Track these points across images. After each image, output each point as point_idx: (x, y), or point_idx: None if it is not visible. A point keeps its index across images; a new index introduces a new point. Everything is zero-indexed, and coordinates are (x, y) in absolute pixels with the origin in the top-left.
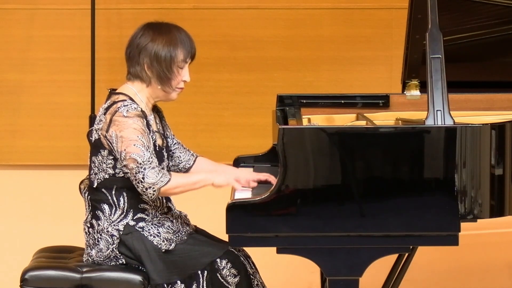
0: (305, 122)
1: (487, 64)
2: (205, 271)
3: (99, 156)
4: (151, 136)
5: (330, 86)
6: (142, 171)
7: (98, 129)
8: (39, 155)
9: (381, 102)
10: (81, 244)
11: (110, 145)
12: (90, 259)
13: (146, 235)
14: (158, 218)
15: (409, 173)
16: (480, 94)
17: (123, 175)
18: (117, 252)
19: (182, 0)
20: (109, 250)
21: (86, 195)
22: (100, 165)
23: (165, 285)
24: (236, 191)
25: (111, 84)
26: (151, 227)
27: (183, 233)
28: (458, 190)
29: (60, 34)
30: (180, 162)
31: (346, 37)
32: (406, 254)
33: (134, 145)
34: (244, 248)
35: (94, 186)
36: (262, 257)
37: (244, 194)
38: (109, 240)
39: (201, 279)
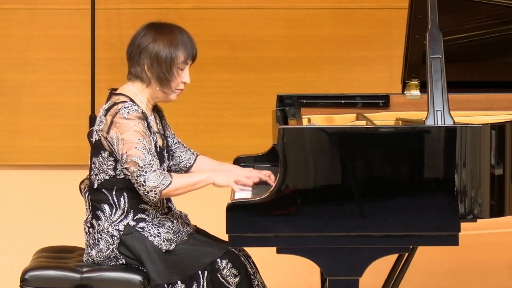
0: (305, 122)
1: (487, 64)
2: (206, 271)
3: (100, 157)
4: (152, 137)
5: (330, 86)
6: (143, 175)
7: (99, 130)
8: (39, 155)
9: (381, 102)
10: (81, 244)
11: (111, 146)
12: (90, 259)
13: (146, 236)
14: (159, 219)
15: (409, 173)
16: (480, 94)
17: (123, 176)
18: (117, 252)
19: (182, 0)
20: (109, 250)
21: (86, 195)
22: (101, 166)
23: (166, 286)
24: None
25: (111, 84)
26: (152, 228)
27: (183, 233)
28: (458, 190)
29: (60, 34)
30: (180, 161)
31: (346, 37)
32: (406, 254)
33: (136, 148)
34: (245, 248)
35: (95, 187)
36: (262, 257)
37: (244, 194)
38: (109, 240)
39: (201, 279)
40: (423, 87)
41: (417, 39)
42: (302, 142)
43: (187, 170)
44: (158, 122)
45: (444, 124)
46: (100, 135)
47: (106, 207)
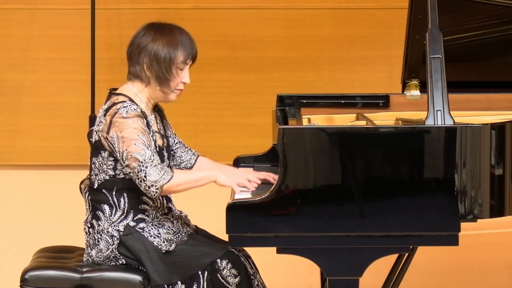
0: (305, 122)
1: (487, 64)
2: (206, 272)
3: (99, 158)
4: (152, 136)
5: (330, 86)
6: (144, 169)
7: (98, 130)
8: (39, 155)
9: (381, 102)
10: (81, 244)
11: (111, 146)
12: (90, 259)
13: (146, 236)
14: (159, 219)
15: (409, 173)
16: (480, 94)
17: (123, 176)
18: (117, 253)
19: (182, 0)
20: (108, 251)
21: (86, 195)
22: (101, 166)
23: (166, 286)
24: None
25: (111, 84)
26: (152, 228)
27: (183, 234)
28: (458, 190)
29: (60, 34)
30: (181, 161)
31: (346, 37)
32: (406, 254)
33: (135, 144)
34: (245, 248)
35: (95, 187)
36: (262, 257)
37: (244, 194)
38: (109, 240)
39: (201, 279)
40: (423, 87)
41: (417, 39)
42: (302, 142)
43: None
44: (158, 122)
45: (444, 124)
46: (100, 135)
47: (106, 207)
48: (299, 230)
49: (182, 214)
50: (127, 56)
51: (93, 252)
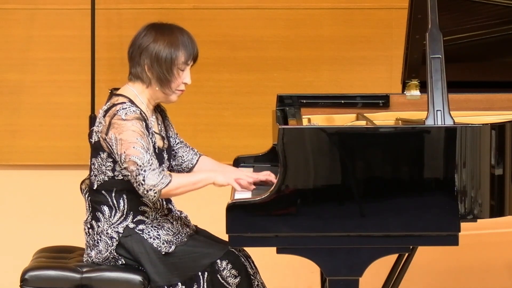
0: (305, 122)
1: (487, 64)
2: (206, 273)
3: (99, 158)
4: (151, 138)
5: (330, 86)
6: (142, 173)
7: (98, 131)
8: (39, 155)
9: (381, 102)
10: (81, 244)
11: (110, 148)
12: (89, 260)
13: (146, 238)
14: (158, 220)
15: (409, 173)
16: (480, 94)
17: (122, 177)
18: (115, 254)
19: (182, 0)
20: (107, 252)
21: (86, 196)
22: (100, 167)
23: (166, 287)
24: (236, 191)
25: (111, 84)
26: (151, 230)
27: (183, 235)
28: (458, 190)
29: (60, 34)
30: (183, 161)
31: (346, 37)
32: (406, 254)
33: (134, 147)
34: (245, 248)
35: (94, 188)
36: (262, 258)
37: (244, 194)
38: (109, 242)
39: (201, 280)
40: (423, 87)
41: (417, 39)
42: (302, 142)
43: (189, 170)
44: (160, 122)
45: (444, 124)
46: (99, 136)
47: (105, 208)
48: (299, 230)
49: (182, 215)
50: (128, 57)
51: (93, 253)
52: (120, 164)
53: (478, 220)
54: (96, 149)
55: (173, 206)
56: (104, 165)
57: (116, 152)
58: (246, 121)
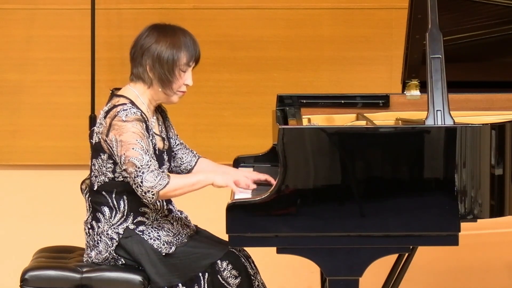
0: (305, 122)
1: (487, 64)
2: (206, 273)
3: (99, 160)
4: (151, 140)
5: (330, 86)
6: (140, 175)
7: (99, 132)
8: (39, 155)
9: (381, 102)
10: (81, 244)
11: (110, 149)
12: (89, 260)
13: (146, 239)
14: (158, 221)
15: (409, 173)
16: (480, 94)
17: (122, 179)
18: (115, 255)
19: (182, 0)
20: (107, 253)
21: (87, 196)
22: (100, 168)
23: None
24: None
25: (111, 84)
26: (151, 231)
27: (183, 236)
28: (458, 190)
29: (60, 34)
30: (182, 163)
31: (346, 37)
32: (406, 254)
33: (133, 148)
34: (245, 248)
35: (95, 189)
36: (262, 258)
37: (244, 194)
38: (109, 243)
39: (202, 281)
40: (423, 87)
41: (417, 39)
42: (302, 142)
43: (188, 172)
44: (160, 123)
45: (444, 124)
46: (100, 138)
47: (106, 209)
48: (299, 230)
49: (183, 215)
50: (130, 57)
51: (93, 254)
52: (120, 166)
53: (478, 220)
54: (97, 150)
55: (174, 206)
56: (104, 166)
57: (116, 153)
58: (246, 121)
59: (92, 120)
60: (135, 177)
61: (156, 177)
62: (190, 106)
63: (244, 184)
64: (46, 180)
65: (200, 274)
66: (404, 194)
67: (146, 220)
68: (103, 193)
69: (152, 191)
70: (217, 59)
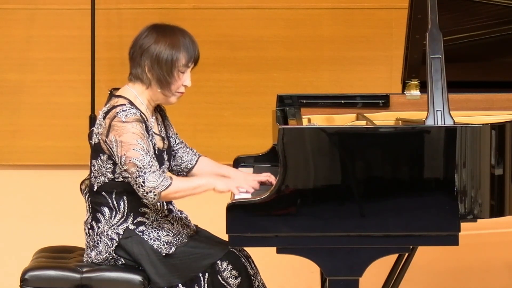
0: (305, 122)
1: (487, 64)
2: (206, 274)
3: (99, 160)
4: (151, 140)
5: (330, 86)
6: (142, 175)
7: (98, 133)
8: (39, 155)
9: (381, 102)
10: (81, 244)
11: (110, 150)
12: (89, 260)
13: (146, 239)
14: (158, 222)
15: (409, 173)
16: (480, 94)
17: (122, 179)
18: (115, 255)
19: (182, 0)
20: (107, 253)
21: (86, 196)
22: (100, 169)
23: None
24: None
25: (111, 84)
26: (151, 231)
27: (183, 236)
28: (458, 190)
29: (60, 34)
30: (182, 162)
31: (346, 37)
32: (406, 254)
33: (134, 149)
34: (245, 248)
35: (94, 189)
36: (262, 258)
37: (244, 194)
38: (109, 243)
39: (202, 281)
40: (423, 87)
41: (417, 39)
42: (302, 142)
43: (188, 171)
44: (160, 123)
45: (444, 124)
46: (100, 139)
47: (106, 210)
48: (299, 230)
49: (183, 215)
50: (129, 57)
51: (93, 254)
52: (120, 166)
53: (478, 220)
54: (96, 151)
55: (174, 206)
56: (104, 167)
57: (116, 154)
58: (246, 121)
59: (92, 120)
60: (136, 178)
61: (159, 178)
62: (190, 106)
63: (247, 187)
64: (46, 180)
65: (200, 275)
66: (404, 194)
67: (146, 221)
68: (103, 193)
69: (154, 192)
70: (217, 59)
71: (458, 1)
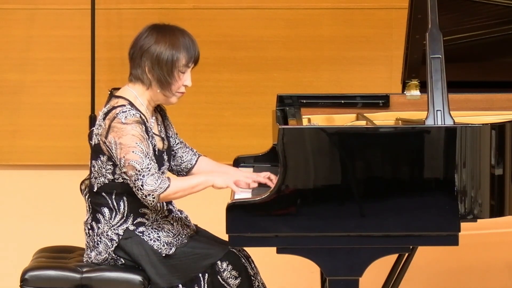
0: (305, 122)
1: (487, 64)
2: (206, 274)
3: (99, 161)
4: (150, 141)
5: (330, 86)
6: (141, 178)
7: (98, 134)
8: (39, 155)
9: (381, 102)
10: (81, 244)
11: (110, 151)
12: (89, 260)
13: (146, 240)
14: (158, 222)
15: (409, 173)
16: (480, 94)
17: (122, 180)
18: (114, 256)
19: (182, 0)
20: (107, 254)
21: (86, 197)
22: (100, 170)
23: None
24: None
25: (111, 84)
26: (151, 232)
27: (183, 236)
28: (458, 190)
29: (60, 34)
30: (182, 162)
31: (346, 37)
32: (406, 254)
33: (133, 152)
34: (245, 248)
35: (94, 190)
36: (262, 258)
37: (244, 194)
38: (109, 244)
39: (202, 282)
40: (423, 87)
41: (417, 39)
42: (302, 142)
43: (188, 170)
44: (160, 123)
45: (444, 124)
46: (99, 139)
47: (106, 210)
48: (299, 230)
49: (182, 215)
50: (129, 58)
51: (92, 254)
52: (120, 168)
53: (478, 220)
54: (96, 151)
55: (174, 206)
56: (104, 168)
57: (116, 156)
58: (246, 121)
59: (92, 120)
60: (135, 180)
61: (157, 180)
62: (190, 106)
63: (244, 184)
64: (46, 180)
65: (200, 275)
66: (404, 194)
67: (146, 221)
68: (103, 194)
69: (152, 195)
70: (217, 59)
71: (458, 1)
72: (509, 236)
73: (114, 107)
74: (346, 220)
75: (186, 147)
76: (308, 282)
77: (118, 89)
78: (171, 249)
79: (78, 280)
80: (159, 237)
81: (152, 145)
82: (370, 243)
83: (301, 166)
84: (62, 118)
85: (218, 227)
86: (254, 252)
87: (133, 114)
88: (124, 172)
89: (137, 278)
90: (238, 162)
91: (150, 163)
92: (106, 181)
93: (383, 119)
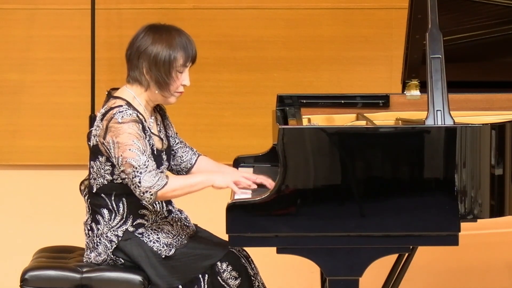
0: (305, 122)
1: (487, 64)
2: (206, 275)
3: (97, 162)
4: (148, 140)
5: (330, 86)
6: (138, 175)
7: (96, 135)
8: (39, 155)
9: (381, 102)
10: (81, 244)
11: (108, 151)
12: (89, 261)
13: (145, 241)
14: (158, 223)
15: (409, 173)
16: (480, 94)
17: (121, 181)
18: (113, 257)
19: (182, 0)
20: (106, 255)
21: (86, 198)
22: (99, 170)
23: None
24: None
25: (111, 84)
26: (151, 233)
27: (183, 237)
28: (458, 190)
29: (60, 34)
30: (182, 161)
31: (346, 37)
32: (406, 254)
33: (130, 149)
34: (245, 249)
35: (94, 191)
36: (262, 258)
37: (244, 194)
38: (108, 245)
39: (202, 282)
40: (423, 87)
41: (417, 39)
42: (302, 142)
43: (188, 170)
44: (159, 123)
45: (444, 124)
46: (97, 140)
47: (105, 212)
48: (299, 230)
49: (182, 215)
50: (126, 59)
51: (92, 255)
52: (118, 167)
53: (478, 220)
54: (95, 152)
55: (173, 206)
56: (102, 168)
57: (114, 155)
58: (246, 121)
59: (92, 120)
60: (133, 178)
61: (154, 177)
62: (190, 106)
63: (244, 184)
64: (46, 180)
65: (200, 276)
66: (404, 194)
67: (145, 222)
68: (102, 195)
69: (150, 191)
70: (217, 59)
71: (458, 1)
72: (509, 236)
73: (111, 108)
74: (346, 220)
75: (186, 147)
76: (308, 282)
77: (116, 89)
78: (170, 250)
79: (78, 280)
80: (158, 238)
81: (150, 144)
82: (370, 243)
83: (301, 166)
84: (62, 118)
85: (218, 227)
86: (254, 252)
87: (130, 114)
88: (122, 171)
89: (137, 278)
90: (238, 162)
91: (148, 161)
92: (105, 182)
93: (383, 119)
